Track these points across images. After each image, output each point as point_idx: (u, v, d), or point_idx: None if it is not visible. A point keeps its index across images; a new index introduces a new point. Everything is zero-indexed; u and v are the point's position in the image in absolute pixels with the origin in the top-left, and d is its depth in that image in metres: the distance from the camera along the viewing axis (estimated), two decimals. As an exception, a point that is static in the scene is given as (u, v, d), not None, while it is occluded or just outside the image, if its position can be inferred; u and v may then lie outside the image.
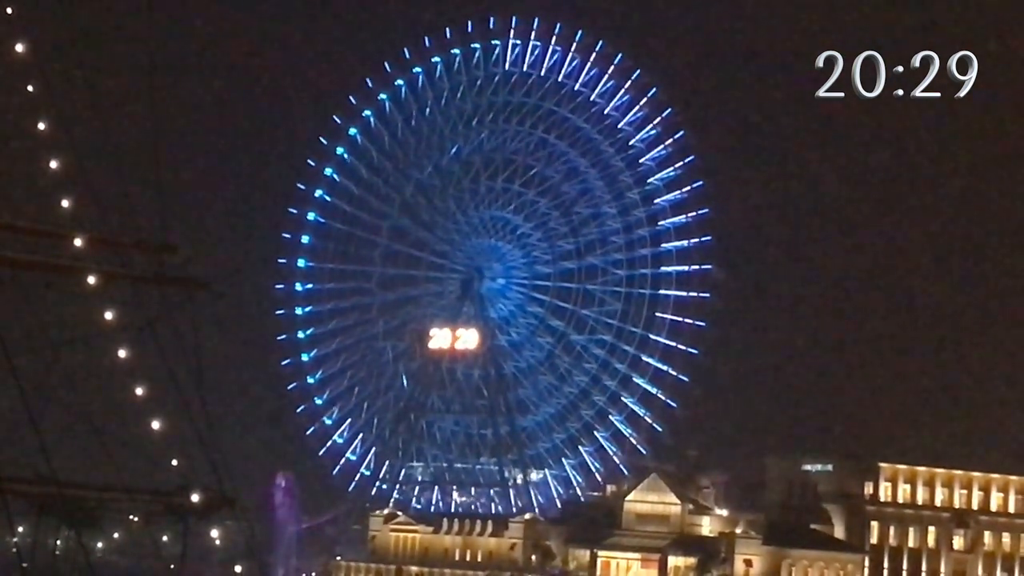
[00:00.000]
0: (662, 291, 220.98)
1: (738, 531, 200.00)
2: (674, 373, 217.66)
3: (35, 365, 44.54)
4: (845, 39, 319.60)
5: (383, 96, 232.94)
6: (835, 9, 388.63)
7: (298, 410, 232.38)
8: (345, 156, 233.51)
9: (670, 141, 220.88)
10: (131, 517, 54.30)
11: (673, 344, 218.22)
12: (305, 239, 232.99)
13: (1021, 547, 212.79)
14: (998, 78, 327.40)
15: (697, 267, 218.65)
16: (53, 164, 46.04)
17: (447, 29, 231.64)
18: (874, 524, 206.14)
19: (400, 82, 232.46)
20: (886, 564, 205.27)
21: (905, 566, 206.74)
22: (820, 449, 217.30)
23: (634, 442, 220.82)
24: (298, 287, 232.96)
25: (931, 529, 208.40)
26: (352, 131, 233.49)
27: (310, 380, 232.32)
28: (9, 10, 45.44)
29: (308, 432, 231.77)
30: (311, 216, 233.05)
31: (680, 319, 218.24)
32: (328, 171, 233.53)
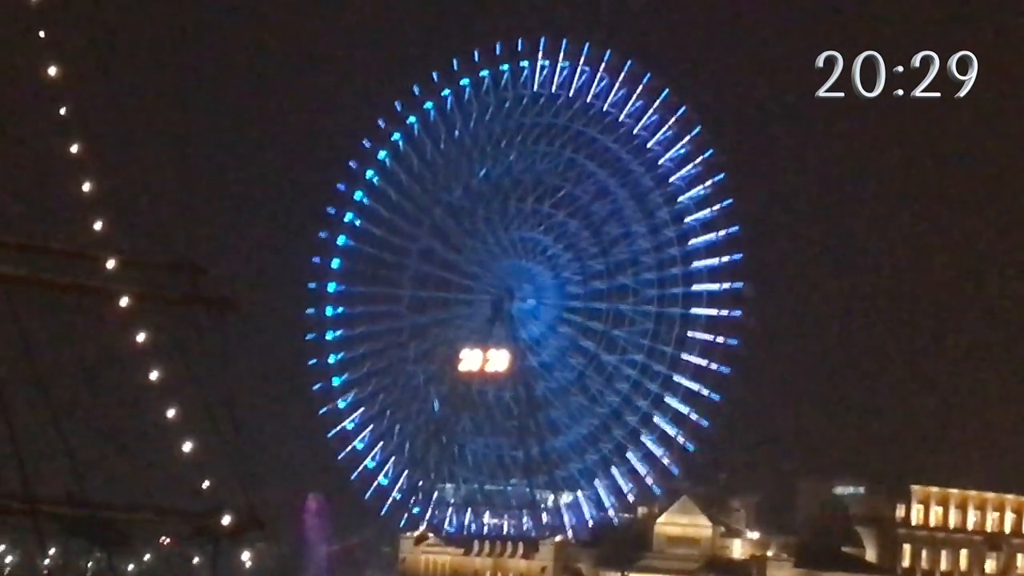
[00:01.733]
0: (693, 310, 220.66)
1: (769, 554, 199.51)
2: (706, 392, 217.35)
3: (67, 386, 44.71)
4: (845, 39, 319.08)
5: (412, 119, 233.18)
6: (835, 9, 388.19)
7: (329, 434, 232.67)
8: (375, 180, 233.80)
9: (699, 159, 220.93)
10: (162, 539, 54.44)
11: (705, 363, 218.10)
12: (335, 263, 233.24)
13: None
14: (998, 78, 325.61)
15: (728, 285, 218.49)
16: (86, 187, 46.27)
17: (475, 51, 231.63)
18: (906, 547, 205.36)
19: (429, 105, 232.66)
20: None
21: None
22: (851, 471, 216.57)
23: (666, 462, 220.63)
24: (328, 311, 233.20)
25: (963, 552, 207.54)
26: (381, 154, 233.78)
27: (341, 404, 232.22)
28: (41, 33, 45.71)
29: (340, 456, 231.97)
30: (341, 240, 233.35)
31: (712, 338, 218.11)
32: (358, 195, 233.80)
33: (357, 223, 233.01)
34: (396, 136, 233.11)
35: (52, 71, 45.53)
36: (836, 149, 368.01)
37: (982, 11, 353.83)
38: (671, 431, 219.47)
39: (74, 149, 46.23)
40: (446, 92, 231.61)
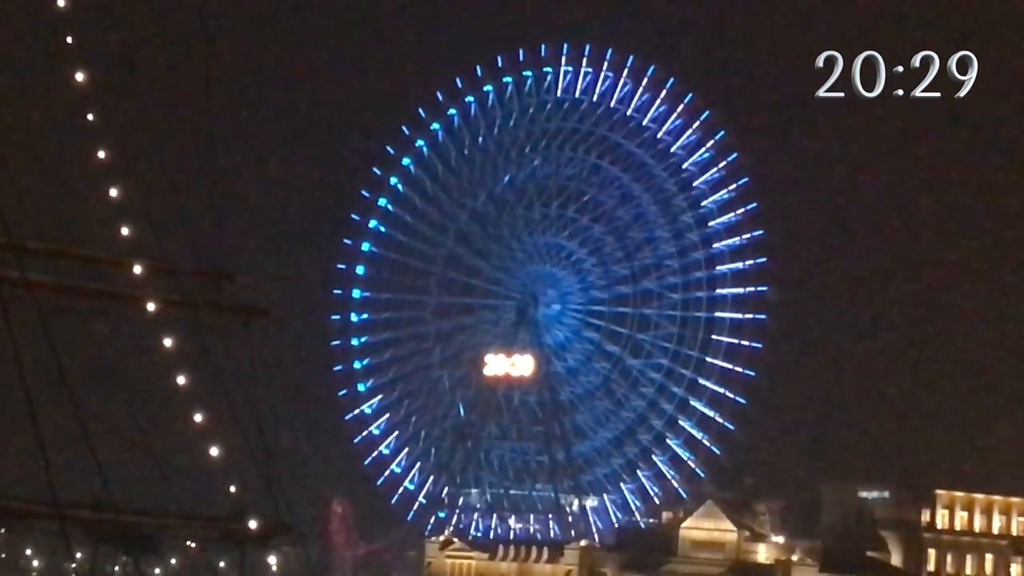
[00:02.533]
0: (718, 313, 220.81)
1: (794, 558, 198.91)
2: (731, 396, 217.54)
3: (94, 392, 44.71)
4: (845, 39, 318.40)
5: (435, 126, 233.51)
6: (835, 9, 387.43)
7: (355, 440, 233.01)
8: (399, 186, 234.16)
9: (723, 163, 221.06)
10: (188, 543, 54.42)
11: (730, 367, 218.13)
12: (360, 270, 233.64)
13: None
14: (998, 78, 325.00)
15: (752, 289, 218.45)
16: (113, 192, 46.28)
17: (498, 57, 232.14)
18: (931, 552, 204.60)
19: (452, 111, 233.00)
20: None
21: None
22: (876, 476, 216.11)
23: (692, 466, 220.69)
24: (353, 318, 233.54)
25: (988, 557, 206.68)
26: (406, 161, 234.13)
27: (367, 410, 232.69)
28: (69, 39, 45.72)
29: (366, 462, 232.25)
30: (366, 247, 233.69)
31: (736, 341, 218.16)
32: (382, 202, 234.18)
33: (382, 229, 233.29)
34: (420, 142, 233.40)
35: (80, 77, 45.54)
36: (851, 149, 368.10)
37: (982, 11, 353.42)
38: (697, 434, 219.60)
39: (101, 155, 46.25)
40: (470, 98, 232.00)
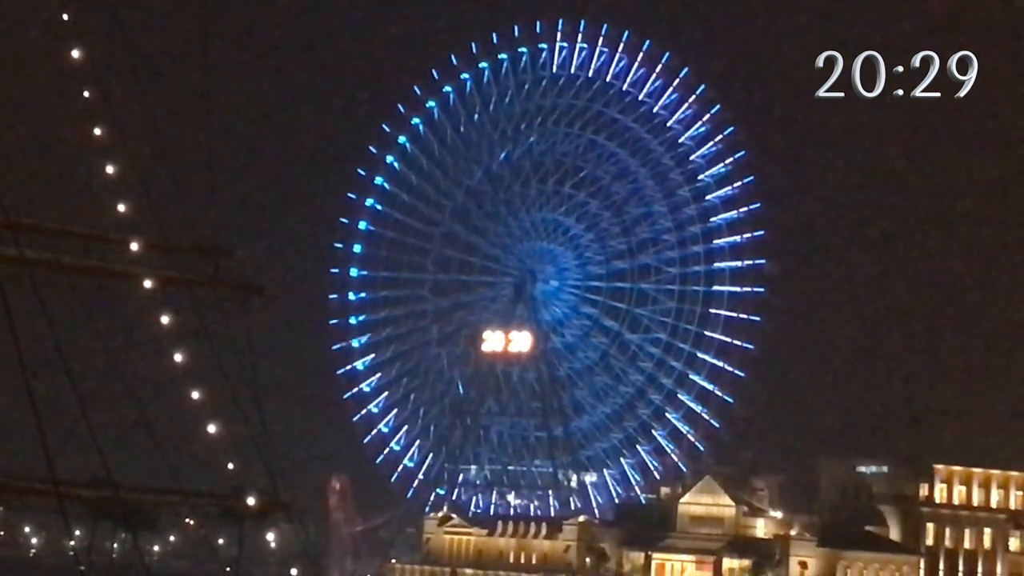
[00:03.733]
0: (716, 287, 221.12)
1: (793, 533, 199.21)
2: (730, 369, 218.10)
3: (91, 369, 44.73)
4: (845, 39, 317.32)
5: (432, 103, 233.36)
6: (835, 9, 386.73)
7: (355, 418, 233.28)
8: (396, 164, 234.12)
9: (720, 138, 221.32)
10: (187, 520, 54.50)
11: (728, 340, 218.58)
12: (357, 248, 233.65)
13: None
14: (998, 78, 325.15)
15: (750, 262, 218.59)
16: (109, 169, 46.22)
17: (494, 34, 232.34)
18: (929, 526, 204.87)
19: (448, 89, 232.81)
20: (941, 566, 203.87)
21: (961, 568, 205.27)
22: (874, 451, 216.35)
23: (692, 439, 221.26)
24: (351, 296, 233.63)
25: (987, 531, 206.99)
26: (402, 139, 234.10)
27: (365, 388, 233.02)
28: (65, 16, 45.65)
29: (365, 440, 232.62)
30: (363, 225, 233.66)
31: (735, 315, 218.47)
32: (379, 180, 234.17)
33: (378, 208, 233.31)
34: (416, 121, 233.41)
35: (75, 54, 45.47)
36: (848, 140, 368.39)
37: (982, 11, 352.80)
38: (696, 408, 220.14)
39: (97, 132, 46.19)
40: (465, 76, 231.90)
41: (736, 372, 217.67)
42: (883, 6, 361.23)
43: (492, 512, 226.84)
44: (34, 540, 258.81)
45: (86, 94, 45.91)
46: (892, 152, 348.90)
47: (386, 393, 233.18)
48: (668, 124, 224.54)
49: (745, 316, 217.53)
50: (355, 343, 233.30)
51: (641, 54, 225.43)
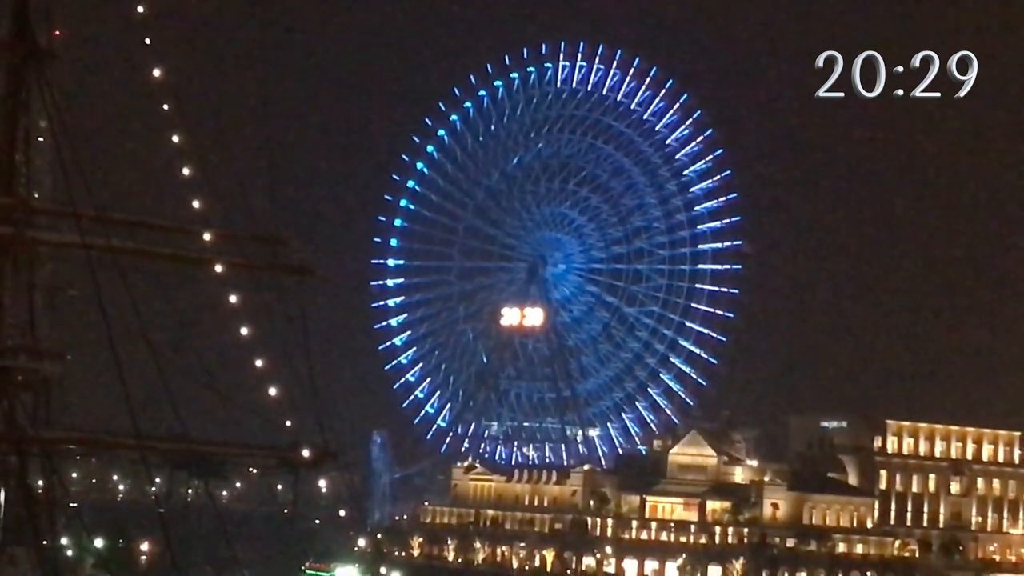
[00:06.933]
0: (700, 266, 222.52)
1: (766, 479, 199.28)
2: (714, 335, 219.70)
3: (170, 342, 44.97)
4: (845, 39, 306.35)
5: (455, 117, 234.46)
6: (835, 9, 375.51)
7: (395, 386, 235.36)
8: (425, 169, 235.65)
9: (701, 138, 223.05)
10: (251, 470, 54.66)
11: (712, 310, 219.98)
12: (394, 241, 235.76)
13: (1008, 492, 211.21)
14: (998, 78, 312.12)
15: (729, 244, 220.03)
16: (185, 171, 46.55)
17: (506, 57, 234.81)
18: (883, 473, 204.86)
19: (468, 104, 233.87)
20: (893, 507, 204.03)
21: (909, 508, 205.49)
22: (836, 408, 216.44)
23: (682, 396, 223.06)
24: (390, 283, 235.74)
25: (931, 477, 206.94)
26: (429, 148, 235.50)
27: (403, 360, 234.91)
28: (147, 41, 45.99)
29: (404, 405, 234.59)
30: (398, 222, 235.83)
31: (716, 288, 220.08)
32: (411, 183, 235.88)
33: (411, 207, 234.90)
34: (441, 132, 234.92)
35: (156, 73, 45.76)
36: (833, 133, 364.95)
37: (982, 11, 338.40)
38: (686, 369, 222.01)
39: (175, 139, 46.50)
40: (482, 92, 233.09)
41: (719, 337, 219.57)
42: (883, 6, 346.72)
43: (511, 462, 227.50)
44: (121, 487, 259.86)
45: (165, 107, 46.19)
46: (892, 152, 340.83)
47: (420, 364, 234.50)
48: (656, 128, 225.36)
49: (725, 290, 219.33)
50: (394, 322, 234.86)
51: (632, 70, 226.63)
